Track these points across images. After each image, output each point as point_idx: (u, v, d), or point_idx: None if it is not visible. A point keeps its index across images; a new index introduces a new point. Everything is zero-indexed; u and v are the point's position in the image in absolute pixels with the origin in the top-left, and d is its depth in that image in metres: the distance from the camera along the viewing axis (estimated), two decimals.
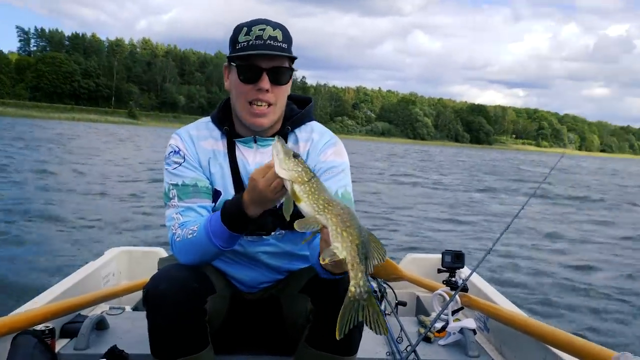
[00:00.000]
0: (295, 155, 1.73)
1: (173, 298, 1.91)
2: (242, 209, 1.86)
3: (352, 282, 1.54)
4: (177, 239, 2.03)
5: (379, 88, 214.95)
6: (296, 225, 1.63)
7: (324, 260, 1.55)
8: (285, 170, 1.72)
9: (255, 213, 1.87)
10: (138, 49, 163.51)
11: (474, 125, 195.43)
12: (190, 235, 1.99)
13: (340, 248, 1.56)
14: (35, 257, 7.79)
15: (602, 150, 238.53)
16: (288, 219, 1.73)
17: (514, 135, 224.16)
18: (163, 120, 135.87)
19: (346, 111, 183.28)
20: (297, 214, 1.70)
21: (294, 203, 1.70)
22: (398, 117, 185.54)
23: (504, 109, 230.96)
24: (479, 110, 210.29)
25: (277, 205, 2.11)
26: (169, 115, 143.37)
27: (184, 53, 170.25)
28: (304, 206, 1.69)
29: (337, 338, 1.50)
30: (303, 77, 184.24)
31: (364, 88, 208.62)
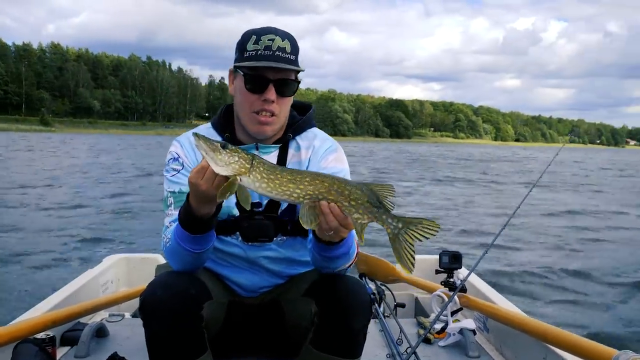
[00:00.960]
0: (224, 146, 1.68)
1: (169, 305, 1.91)
2: (192, 213, 1.83)
3: (385, 227, 1.68)
4: (164, 248, 2.05)
5: None
6: (302, 222, 1.69)
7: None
8: (222, 166, 1.66)
9: (207, 212, 1.84)
10: (48, 54, 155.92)
11: (393, 120, 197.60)
12: (169, 243, 2.00)
13: (360, 216, 1.67)
14: (34, 267, 7.79)
15: (517, 140, 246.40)
16: (248, 208, 1.76)
17: (432, 128, 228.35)
18: (78, 126, 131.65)
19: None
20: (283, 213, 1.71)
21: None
22: (318, 115, 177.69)
23: (421, 103, 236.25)
24: (398, 105, 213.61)
25: (279, 213, 2.13)
26: (84, 120, 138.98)
27: (97, 57, 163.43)
28: (271, 195, 1.71)
29: (408, 272, 1.69)
30: (222, 77, 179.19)
31: None
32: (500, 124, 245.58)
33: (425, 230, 1.68)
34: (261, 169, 1.69)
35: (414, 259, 1.69)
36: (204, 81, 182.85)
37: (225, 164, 1.66)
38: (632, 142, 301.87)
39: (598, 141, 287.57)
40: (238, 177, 1.67)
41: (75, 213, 13.06)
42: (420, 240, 1.67)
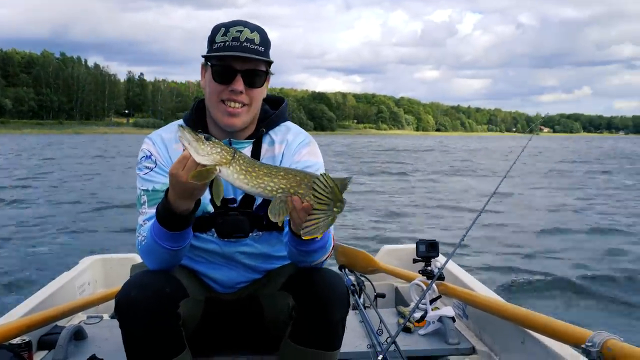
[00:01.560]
0: (208, 138, 1.71)
1: (145, 304, 1.90)
2: (171, 209, 1.82)
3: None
4: (139, 246, 2.03)
5: None
6: (270, 214, 1.67)
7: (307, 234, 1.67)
8: (204, 156, 1.69)
9: (186, 208, 1.83)
10: None
11: (316, 113, 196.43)
12: (144, 241, 1.99)
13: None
14: (7, 272, 7.66)
15: (438, 130, 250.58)
16: (218, 203, 1.75)
17: (355, 120, 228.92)
18: None
19: (188, 106, 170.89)
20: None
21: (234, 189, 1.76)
22: None
23: (344, 95, 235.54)
24: (321, 98, 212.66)
25: (254, 208, 2.12)
26: None
27: (7, 53, 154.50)
28: (247, 187, 1.72)
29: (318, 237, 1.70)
30: (141, 73, 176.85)
31: None
32: (422, 114, 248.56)
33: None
34: (241, 161, 1.72)
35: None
36: (122, 77, 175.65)
37: (207, 153, 1.69)
38: (546, 129, 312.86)
39: (514, 129, 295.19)
40: (218, 168, 1.69)
41: (43, 214, 12.88)
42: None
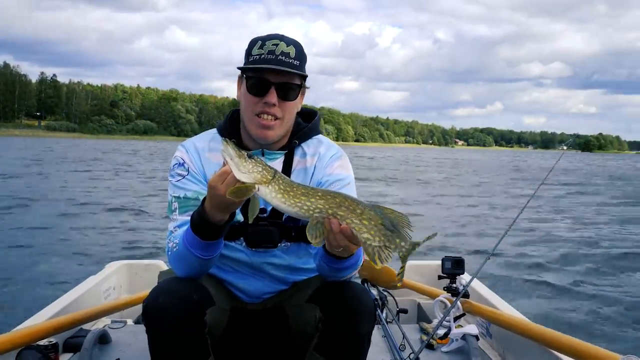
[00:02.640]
0: (250, 156, 1.72)
1: (172, 311, 1.91)
2: (206, 218, 1.84)
3: (397, 252, 1.66)
4: (169, 253, 2.05)
5: (138, 85, 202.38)
6: (308, 235, 1.68)
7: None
8: (245, 173, 1.70)
9: (221, 219, 1.85)
10: None
11: None
12: (175, 249, 2.01)
13: (371, 237, 1.65)
14: (36, 274, 7.79)
15: (357, 140, 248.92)
16: (251, 221, 1.76)
17: None
18: None
19: (104, 110, 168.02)
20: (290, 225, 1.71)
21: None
22: (160, 115, 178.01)
23: None
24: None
25: (284, 219, 2.13)
26: None
27: None
28: (284, 206, 1.72)
29: (398, 285, 1.70)
30: (54, 75, 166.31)
31: (122, 85, 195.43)
32: (342, 124, 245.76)
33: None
34: (280, 182, 1.74)
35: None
36: (34, 78, 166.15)
37: (248, 171, 1.70)
38: (460, 142, 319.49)
39: (430, 141, 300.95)
40: (257, 186, 1.71)
41: (70, 220, 13.06)
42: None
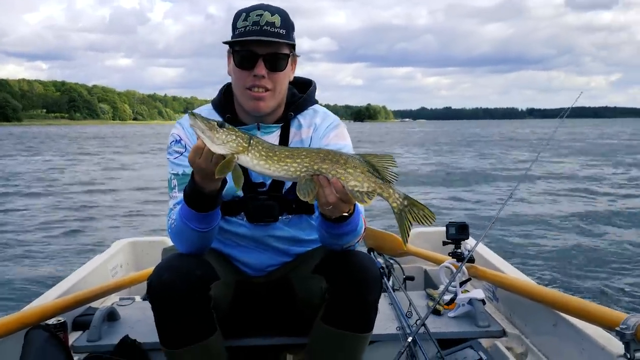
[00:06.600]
0: (222, 125, 1.66)
1: (176, 287, 1.92)
2: (198, 189, 1.83)
3: (390, 200, 1.69)
4: (169, 230, 2.06)
5: None
6: (299, 194, 1.68)
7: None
8: (220, 145, 1.65)
9: (213, 187, 1.83)
10: None
11: None
12: (174, 225, 2.01)
13: (359, 184, 1.67)
14: (42, 254, 7.84)
15: (135, 119, 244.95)
16: (239, 188, 1.73)
17: (45, 110, 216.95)
18: None
19: None
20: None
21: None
22: None
23: (29, 82, 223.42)
24: (2, 85, 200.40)
25: (283, 192, 2.12)
26: None
27: None
28: (269, 172, 1.70)
29: (404, 248, 1.86)
30: None
31: None
32: (117, 103, 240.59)
33: (425, 217, 1.72)
34: (259, 147, 1.69)
35: (408, 235, 1.75)
36: None
37: (222, 142, 1.65)
38: None
39: None
40: (236, 156, 1.66)
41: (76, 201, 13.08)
42: (417, 223, 1.71)
